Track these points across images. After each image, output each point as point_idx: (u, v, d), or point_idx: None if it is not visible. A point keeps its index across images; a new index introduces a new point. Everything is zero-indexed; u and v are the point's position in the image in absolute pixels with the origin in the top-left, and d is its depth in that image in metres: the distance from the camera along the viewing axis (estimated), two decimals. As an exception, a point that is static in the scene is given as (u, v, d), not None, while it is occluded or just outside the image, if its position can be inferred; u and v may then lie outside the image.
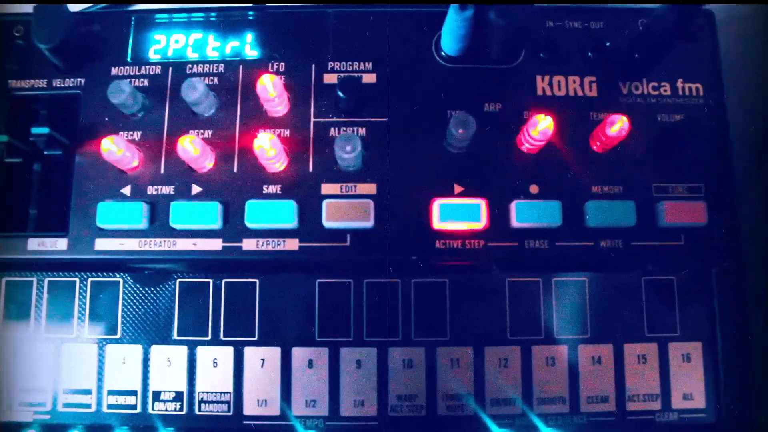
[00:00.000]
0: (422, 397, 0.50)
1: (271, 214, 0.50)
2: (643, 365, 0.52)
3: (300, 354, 0.51)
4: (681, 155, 0.52)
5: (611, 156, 0.52)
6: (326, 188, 0.51)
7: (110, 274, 0.53)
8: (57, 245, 0.51)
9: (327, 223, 0.50)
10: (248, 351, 0.51)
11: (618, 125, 0.49)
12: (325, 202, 0.50)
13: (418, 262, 0.50)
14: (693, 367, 0.52)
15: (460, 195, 0.51)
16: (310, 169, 0.51)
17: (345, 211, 0.50)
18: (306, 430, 0.50)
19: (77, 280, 0.53)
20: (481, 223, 0.50)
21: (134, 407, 0.51)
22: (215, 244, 0.50)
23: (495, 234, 0.50)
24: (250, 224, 0.50)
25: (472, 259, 0.50)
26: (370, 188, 0.51)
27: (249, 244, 0.50)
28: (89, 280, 0.53)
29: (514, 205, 0.50)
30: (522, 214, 0.50)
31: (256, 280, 0.52)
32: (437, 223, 0.50)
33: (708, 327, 0.52)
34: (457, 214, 0.50)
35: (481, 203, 0.50)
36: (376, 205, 0.50)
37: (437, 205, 0.50)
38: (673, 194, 0.52)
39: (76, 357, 0.52)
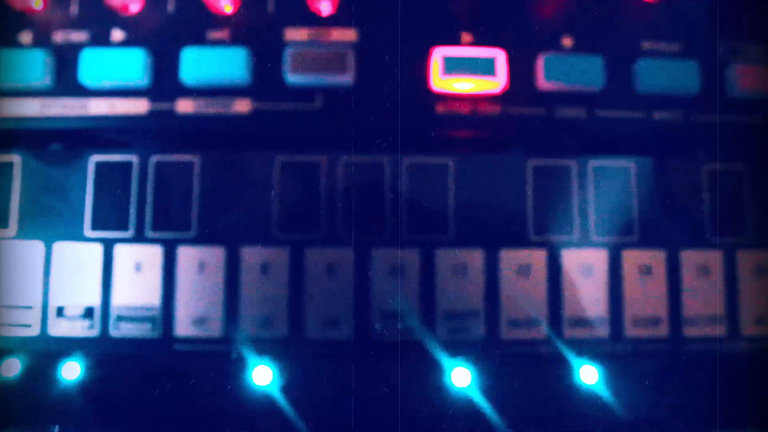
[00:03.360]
0: (415, 315, 0.38)
1: (215, 66, 0.37)
2: (703, 278, 0.39)
3: (252, 256, 0.38)
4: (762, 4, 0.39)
5: (669, 2, 0.39)
6: (291, 34, 0.38)
7: (3, 150, 0.39)
8: (-70, 109, 0.38)
9: (291, 77, 0.37)
10: (182, 251, 0.38)
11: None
12: (288, 51, 0.37)
13: (412, 133, 0.38)
14: (769, 282, 0.39)
15: (470, 45, 0.38)
16: (270, 8, 0.38)
17: (316, 61, 0.37)
18: (258, 357, 0.37)
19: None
20: (497, 82, 0.37)
21: (30, 327, 0.38)
22: (140, 106, 0.37)
23: (516, 97, 0.38)
24: (187, 79, 0.37)
25: (484, 130, 0.38)
26: (349, 34, 0.38)
27: (185, 106, 0.37)
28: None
29: (542, 59, 0.37)
30: (553, 71, 0.37)
31: (195, 158, 0.39)
32: (438, 81, 0.37)
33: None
34: (465, 68, 0.37)
35: (499, 55, 0.37)
36: (357, 55, 0.37)
37: (439, 55, 0.37)
38: (749, 56, 0.39)
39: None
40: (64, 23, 0.38)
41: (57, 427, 0.38)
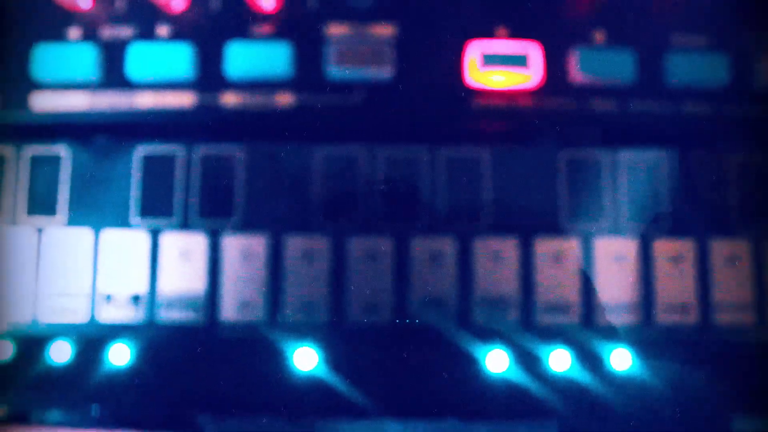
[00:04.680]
0: (453, 300, 0.39)
1: (259, 60, 0.38)
2: (732, 268, 0.40)
3: (294, 244, 0.39)
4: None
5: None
6: (332, 29, 0.39)
7: (50, 141, 0.41)
8: (-18, 102, 0.40)
9: (332, 71, 0.38)
10: (227, 240, 0.39)
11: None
12: (330, 45, 0.38)
13: (449, 126, 0.39)
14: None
15: (505, 38, 0.39)
16: (311, 4, 0.39)
17: (356, 56, 0.38)
18: (301, 341, 0.38)
19: (11, 151, 0.41)
20: (532, 75, 0.38)
21: (78, 312, 0.39)
22: (185, 99, 0.39)
23: (550, 90, 0.39)
24: (231, 73, 0.38)
25: (518, 122, 0.39)
26: (388, 29, 0.39)
27: (229, 99, 0.39)
28: (25, 148, 0.41)
29: (576, 53, 0.38)
30: (586, 64, 0.38)
31: (238, 149, 0.40)
32: (474, 74, 0.38)
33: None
34: (500, 62, 0.38)
35: (534, 48, 0.38)
36: (396, 50, 0.38)
37: (475, 49, 0.38)
38: (776, 49, 0.40)
39: (4, 251, 0.40)
40: (111, 19, 0.40)
41: (97, 407, 0.39)
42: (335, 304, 0.38)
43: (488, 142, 0.40)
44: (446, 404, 0.38)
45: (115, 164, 0.40)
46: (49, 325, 0.39)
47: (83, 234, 0.40)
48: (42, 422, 0.41)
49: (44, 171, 0.40)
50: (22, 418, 0.42)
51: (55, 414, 0.41)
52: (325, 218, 0.39)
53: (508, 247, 0.39)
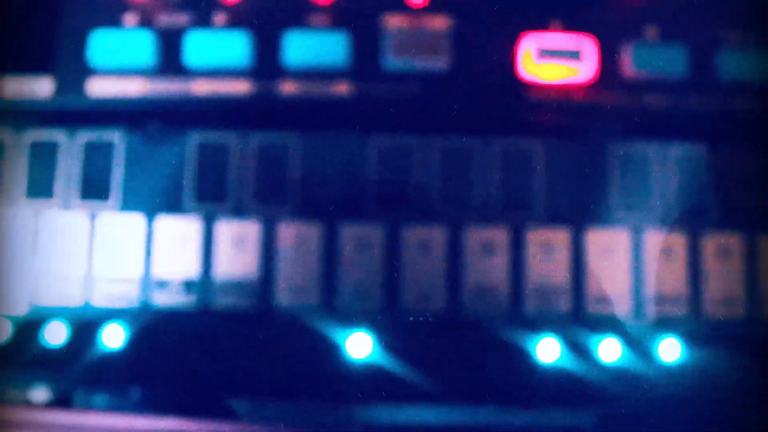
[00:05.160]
0: (504, 290, 0.39)
1: (316, 49, 0.38)
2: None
3: (348, 232, 0.39)
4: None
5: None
6: (389, 20, 0.39)
7: (105, 127, 0.41)
8: (39, 87, 0.40)
9: (389, 62, 0.38)
10: (282, 227, 0.39)
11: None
12: (387, 36, 0.39)
13: (502, 119, 0.39)
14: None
15: (560, 31, 0.39)
16: (368, -6, 0.40)
17: (413, 47, 0.39)
18: (354, 327, 0.38)
19: (64, 137, 0.41)
20: (585, 69, 0.39)
21: (131, 298, 0.39)
22: (242, 87, 0.39)
23: (603, 84, 0.39)
24: (288, 62, 0.39)
25: (571, 115, 0.39)
26: (444, 21, 0.39)
27: (286, 88, 0.39)
28: (80, 135, 0.41)
29: (630, 48, 0.39)
30: (639, 59, 0.39)
31: (294, 137, 0.40)
32: (528, 67, 0.39)
33: None
34: (555, 56, 0.39)
35: (588, 42, 0.39)
36: (451, 41, 0.39)
37: (529, 43, 0.39)
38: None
39: (58, 235, 0.40)
40: (168, 6, 0.40)
41: (139, 391, 0.39)
42: (388, 292, 0.39)
43: (541, 134, 0.40)
44: (493, 391, 0.38)
45: (169, 151, 0.40)
46: (102, 309, 0.39)
47: (136, 220, 0.40)
48: (85, 406, 0.42)
49: (98, 157, 0.41)
50: (65, 402, 0.42)
51: (98, 398, 0.41)
52: (379, 207, 0.40)
53: (559, 239, 0.39)
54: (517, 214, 0.40)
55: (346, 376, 0.38)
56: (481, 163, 0.40)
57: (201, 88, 0.39)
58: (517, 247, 0.39)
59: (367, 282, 0.39)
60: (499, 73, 0.39)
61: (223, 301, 0.39)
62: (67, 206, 0.40)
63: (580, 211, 0.40)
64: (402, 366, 0.38)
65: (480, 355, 0.38)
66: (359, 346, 0.38)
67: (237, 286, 0.39)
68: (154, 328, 0.39)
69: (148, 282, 0.39)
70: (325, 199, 0.39)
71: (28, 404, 0.42)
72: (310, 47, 0.39)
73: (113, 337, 0.39)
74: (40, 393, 0.42)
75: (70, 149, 0.41)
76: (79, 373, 0.39)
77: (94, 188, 0.40)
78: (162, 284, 0.39)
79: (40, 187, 0.41)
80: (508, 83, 0.39)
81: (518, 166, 0.40)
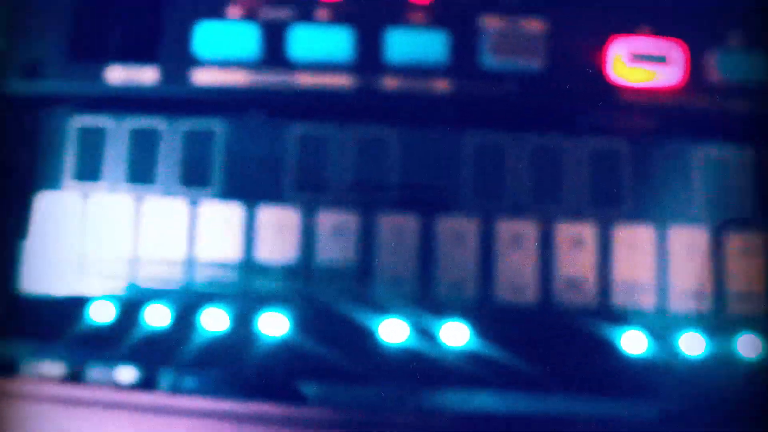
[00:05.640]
0: (593, 282, 0.41)
1: (417, 46, 0.40)
2: None
3: (445, 224, 0.41)
4: None
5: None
6: (486, 20, 0.41)
7: (206, 116, 0.42)
8: (144, 76, 0.41)
9: (487, 61, 0.40)
10: (382, 219, 0.41)
11: None
12: (486, 36, 0.40)
13: (592, 119, 0.41)
14: None
15: (649, 36, 0.41)
16: (466, -5, 0.41)
17: (510, 47, 0.40)
18: (450, 317, 0.40)
19: (165, 124, 0.42)
20: (673, 73, 0.40)
21: (233, 280, 0.41)
22: (344, 81, 0.40)
23: (690, 88, 0.41)
24: (389, 58, 0.40)
25: (659, 118, 0.41)
26: (539, 23, 0.41)
27: (389, 83, 0.40)
28: (180, 122, 0.42)
29: (715, 53, 0.41)
30: (724, 65, 0.40)
31: (393, 132, 0.41)
32: (619, 70, 0.40)
33: None
34: (644, 59, 0.40)
35: (676, 47, 0.41)
36: (546, 42, 0.40)
37: (619, 46, 0.40)
38: None
39: (159, 219, 0.41)
40: (271, 0, 0.41)
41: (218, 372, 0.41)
42: (483, 283, 0.40)
43: (628, 135, 0.42)
44: (584, 384, 0.40)
45: (269, 141, 0.42)
46: (203, 293, 0.41)
47: (235, 208, 0.41)
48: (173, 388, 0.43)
49: (198, 144, 0.42)
50: (151, 385, 0.43)
51: (187, 381, 0.43)
52: (474, 201, 0.41)
53: (645, 236, 0.41)
54: (605, 211, 0.41)
55: (442, 366, 0.39)
56: (570, 161, 0.42)
57: (303, 80, 0.41)
58: (604, 242, 0.41)
59: (462, 274, 0.40)
60: (590, 75, 0.41)
61: (323, 289, 0.40)
62: (167, 192, 0.42)
63: (665, 210, 0.41)
64: (496, 354, 0.39)
65: (569, 346, 0.40)
66: (455, 334, 0.40)
67: (335, 274, 0.40)
68: (256, 314, 0.40)
69: (245, 267, 0.41)
70: (421, 192, 0.41)
71: (116, 385, 0.43)
72: (410, 44, 0.40)
73: (215, 322, 0.40)
74: (129, 374, 0.44)
75: (171, 136, 0.42)
76: (175, 357, 0.41)
77: (194, 175, 0.42)
78: (262, 269, 0.41)
79: (140, 173, 0.42)
80: (598, 85, 0.41)
81: (606, 165, 0.42)
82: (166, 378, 0.43)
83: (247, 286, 0.41)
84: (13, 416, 0.42)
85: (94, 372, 0.45)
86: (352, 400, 0.43)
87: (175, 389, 0.43)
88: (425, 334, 0.40)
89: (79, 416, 0.42)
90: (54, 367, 0.44)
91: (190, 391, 0.44)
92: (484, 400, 0.41)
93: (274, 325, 0.40)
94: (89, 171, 0.42)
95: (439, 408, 0.42)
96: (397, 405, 0.41)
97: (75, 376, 0.44)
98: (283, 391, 0.42)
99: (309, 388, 0.43)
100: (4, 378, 0.43)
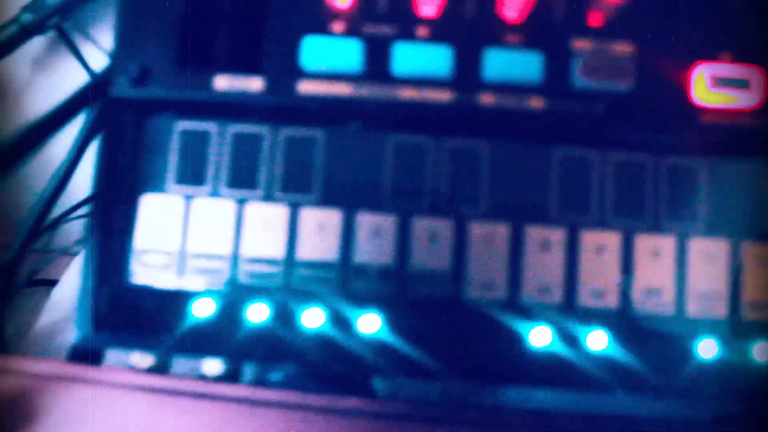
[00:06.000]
0: (669, 292, 0.43)
1: (512, 66, 0.42)
2: None
3: (534, 233, 0.43)
4: None
5: None
6: (577, 43, 0.43)
7: (308, 124, 0.44)
8: (250, 85, 0.43)
9: (579, 82, 0.42)
10: (475, 227, 0.43)
11: None
12: (577, 58, 0.42)
13: (674, 139, 0.43)
14: None
15: (730, 62, 0.44)
16: (558, 16, 0.44)
17: (601, 69, 0.42)
18: (536, 322, 0.42)
19: (267, 131, 0.44)
20: (754, 98, 0.43)
21: (331, 281, 0.43)
22: (443, 96, 0.43)
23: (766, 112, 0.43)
24: (488, 75, 0.42)
25: (739, 140, 0.43)
26: (626, 46, 0.43)
27: (484, 100, 0.43)
28: (282, 129, 0.44)
29: (788, 80, 0.43)
30: (798, 90, 0.43)
31: (487, 145, 0.44)
32: (700, 94, 0.43)
33: None
34: (726, 84, 0.43)
35: (757, 73, 0.43)
36: (633, 65, 0.43)
37: (702, 71, 0.43)
38: None
39: (261, 222, 0.44)
40: (372, 18, 0.43)
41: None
42: (567, 288, 0.43)
43: (708, 154, 0.44)
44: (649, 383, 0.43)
45: (368, 150, 0.44)
46: (302, 290, 0.43)
47: (333, 214, 0.43)
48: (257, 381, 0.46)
49: (299, 152, 0.44)
50: (235, 377, 0.46)
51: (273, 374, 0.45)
52: (560, 212, 0.44)
53: (719, 249, 0.44)
54: (682, 225, 0.44)
55: (528, 365, 0.42)
56: (651, 179, 0.44)
57: (403, 94, 0.43)
58: (679, 253, 0.44)
59: (549, 277, 0.43)
60: (674, 97, 0.43)
61: (417, 291, 0.43)
62: (268, 198, 0.44)
63: (739, 225, 0.44)
64: (575, 356, 0.42)
65: (645, 349, 0.43)
66: (540, 337, 0.42)
67: (429, 278, 0.43)
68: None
69: (346, 269, 0.43)
70: (512, 203, 0.43)
71: (202, 377, 0.46)
72: (506, 63, 0.42)
73: (311, 320, 0.43)
74: (215, 367, 0.46)
75: (274, 143, 0.44)
76: (276, 353, 0.43)
77: (294, 181, 0.44)
78: (360, 271, 0.43)
79: (242, 177, 0.44)
80: (682, 107, 0.43)
81: (685, 182, 0.44)
82: (249, 371, 0.46)
83: (344, 288, 0.43)
84: (102, 404, 0.44)
85: (180, 364, 0.47)
86: (422, 396, 0.45)
87: (258, 382, 0.46)
88: (515, 337, 0.42)
89: (166, 405, 0.44)
90: (142, 359, 0.46)
91: (273, 385, 0.46)
92: (547, 397, 0.44)
93: (369, 324, 0.42)
94: (193, 174, 0.44)
95: (504, 404, 0.45)
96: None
97: (160, 368, 0.46)
98: (358, 385, 0.45)
99: (378, 383, 0.45)
100: (96, 367, 0.46)
